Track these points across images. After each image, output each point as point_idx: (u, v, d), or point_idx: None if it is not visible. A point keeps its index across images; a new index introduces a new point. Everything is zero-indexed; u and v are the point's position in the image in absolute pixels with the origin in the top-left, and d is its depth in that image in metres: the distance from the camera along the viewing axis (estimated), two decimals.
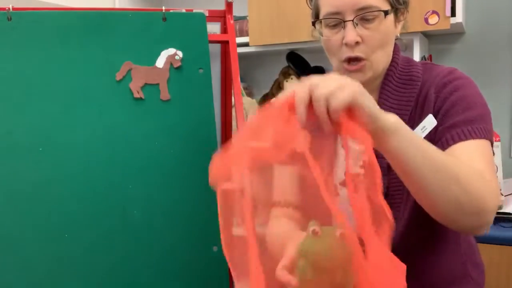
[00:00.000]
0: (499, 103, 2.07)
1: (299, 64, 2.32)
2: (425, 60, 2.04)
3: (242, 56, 1.77)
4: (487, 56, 2.10)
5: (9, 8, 1.11)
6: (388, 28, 0.91)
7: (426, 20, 1.86)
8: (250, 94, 2.56)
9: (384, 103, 0.94)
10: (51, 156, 1.09)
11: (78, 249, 1.08)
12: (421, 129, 0.91)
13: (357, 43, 0.88)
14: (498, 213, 1.69)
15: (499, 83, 2.08)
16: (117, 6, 2.37)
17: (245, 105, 2.34)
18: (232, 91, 1.28)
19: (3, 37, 1.10)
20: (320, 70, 2.29)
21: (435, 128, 0.89)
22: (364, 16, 0.88)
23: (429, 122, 0.90)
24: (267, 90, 2.45)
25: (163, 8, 1.19)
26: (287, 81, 2.33)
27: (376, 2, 0.88)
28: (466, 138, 0.84)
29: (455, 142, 0.85)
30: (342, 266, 0.56)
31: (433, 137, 0.88)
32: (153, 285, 1.12)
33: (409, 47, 1.96)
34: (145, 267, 1.12)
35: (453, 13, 1.84)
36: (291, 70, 2.34)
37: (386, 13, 0.89)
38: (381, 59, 0.92)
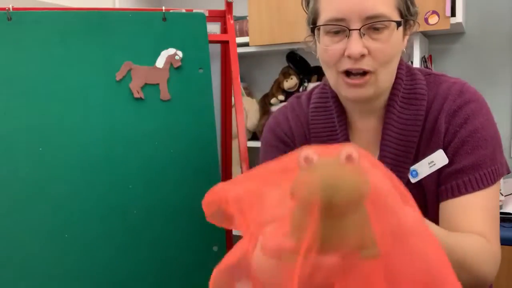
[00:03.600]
0: (499, 103, 2.07)
1: (299, 64, 2.33)
2: (425, 60, 2.04)
3: (242, 56, 1.77)
4: (487, 56, 2.10)
5: (9, 8, 1.11)
6: (397, 41, 0.81)
7: (426, 20, 1.86)
8: (250, 94, 2.56)
9: (390, 128, 0.87)
10: (51, 156, 1.09)
11: (78, 249, 1.08)
12: (429, 163, 0.85)
13: (362, 56, 0.78)
14: None
15: (499, 83, 2.08)
16: (117, 6, 2.37)
17: (245, 105, 2.34)
18: (232, 91, 1.28)
19: (3, 37, 1.10)
20: (320, 70, 2.30)
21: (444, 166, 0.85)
22: (372, 26, 0.77)
23: (439, 158, 0.84)
24: (267, 90, 2.45)
25: (163, 8, 1.19)
26: (287, 81, 2.33)
27: (387, 11, 0.78)
28: (473, 190, 0.81)
29: (461, 193, 0.81)
30: (352, 202, 0.38)
31: (439, 174, 0.85)
32: (153, 284, 1.12)
33: (409, 47, 1.96)
34: (145, 266, 1.12)
35: (453, 13, 1.84)
36: (291, 70, 2.34)
37: (398, 24, 0.79)
38: (386, 76, 0.83)
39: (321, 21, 0.82)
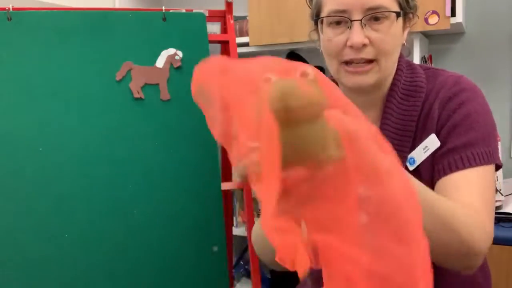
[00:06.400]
0: (499, 103, 2.07)
1: None
2: (425, 60, 2.04)
3: (242, 56, 1.76)
4: (487, 56, 2.10)
5: (9, 8, 1.11)
6: (397, 32, 0.84)
7: (426, 20, 1.86)
8: None
9: (389, 118, 0.89)
10: (51, 156, 1.09)
11: (78, 249, 1.08)
12: (423, 149, 0.86)
13: (364, 45, 0.81)
14: (498, 213, 1.69)
15: (499, 83, 2.08)
16: (117, 6, 2.37)
17: None
18: None
19: (3, 37, 1.10)
20: (320, 70, 2.30)
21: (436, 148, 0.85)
22: (373, 16, 0.80)
23: (432, 142, 0.85)
24: None
25: (163, 8, 1.19)
26: None
27: (387, 2, 0.81)
28: (464, 166, 0.81)
29: (452, 171, 0.82)
30: (306, 109, 0.40)
31: (433, 159, 0.85)
32: (153, 284, 1.12)
33: (409, 44, 1.96)
34: (145, 266, 1.12)
35: (453, 13, 1.84)
36: None
37: (398, 15, 0.82)
38: (388, 66, 0.85)
39: (324, 13, 0.85)
